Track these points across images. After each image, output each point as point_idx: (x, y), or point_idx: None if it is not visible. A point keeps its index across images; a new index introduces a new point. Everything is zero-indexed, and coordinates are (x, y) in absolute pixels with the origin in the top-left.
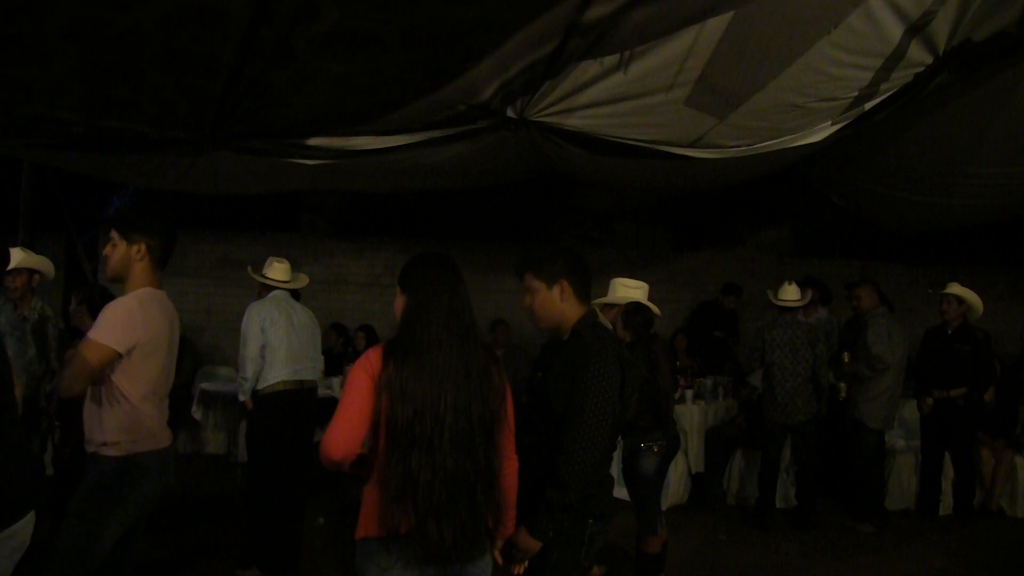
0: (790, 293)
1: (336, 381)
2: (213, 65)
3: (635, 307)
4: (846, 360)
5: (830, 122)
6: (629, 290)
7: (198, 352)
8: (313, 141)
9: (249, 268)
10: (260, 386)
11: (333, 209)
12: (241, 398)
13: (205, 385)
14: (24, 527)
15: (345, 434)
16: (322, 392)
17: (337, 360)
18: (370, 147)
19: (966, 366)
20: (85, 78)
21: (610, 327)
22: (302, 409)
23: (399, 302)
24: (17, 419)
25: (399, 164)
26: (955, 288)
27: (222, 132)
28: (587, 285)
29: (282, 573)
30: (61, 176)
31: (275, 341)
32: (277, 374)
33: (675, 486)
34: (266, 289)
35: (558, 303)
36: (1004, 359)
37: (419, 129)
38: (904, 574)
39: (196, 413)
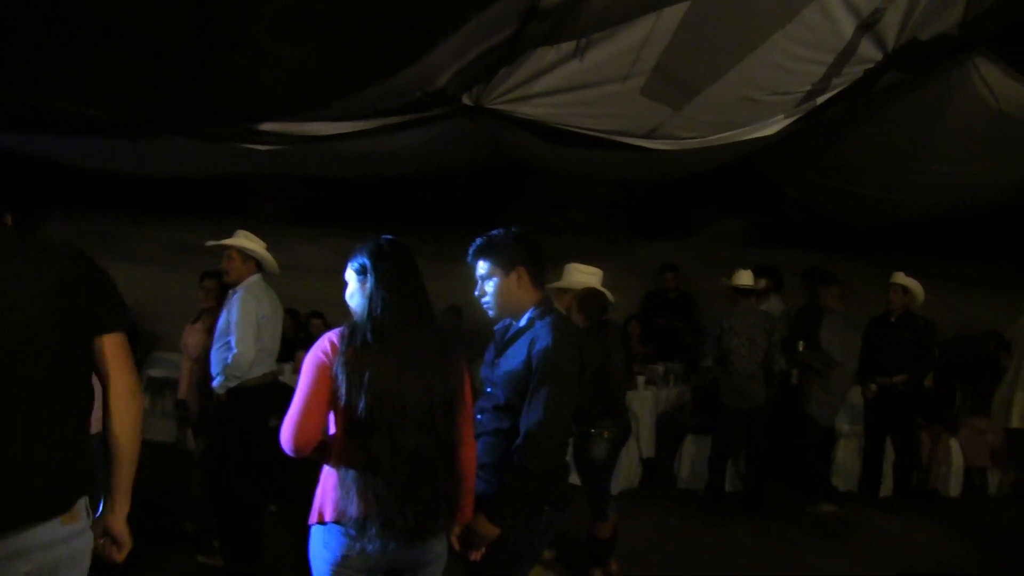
0: (744, 278)
1: (288, 367)
2: (163, 49)
3: (590, 293)
4: (801, 348)
5: (783, 116)
6: (584, 275)
7: (147, 339)
8: (267, 126)
9: (239, 240)
10: (244, 380)
11: (286, 194)
12: (220, 390)
13: (153, 372)
14: None
15: (306, 424)
16: None
17: (289, 346)
18: (324, 133)
19: (908, 353)
20: (30, 59)
21: (564, 313)
22: (273, 399)
23: (352, 287)
24: None
25: (354, 150)
26: (900, 277)
27: (173, 116)
28: (543, 270)
29: (243, 561)
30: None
31: (267, 335)
32: (262, 367)
33: (626, 471)
34: (246, 269)
35: (515, 290)
36: (943, 347)
37: (374, 116)
38: (850, 555)
39: (145, 401)
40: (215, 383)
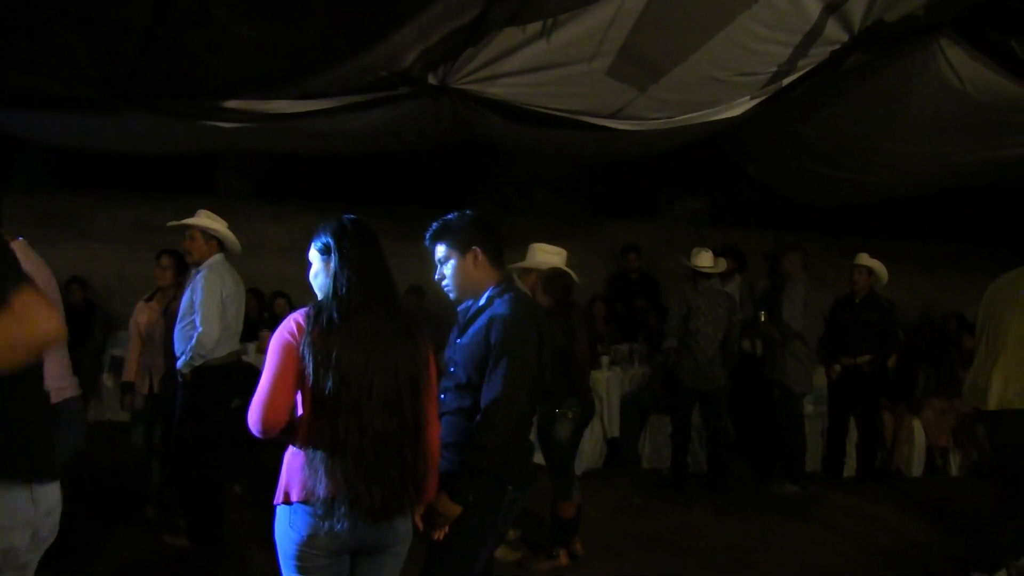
0: (705, 259)
1: (252, 347)
2: (124, 26)
3: (555, 273)
4: (763, 319)
5: (749, 96)
6: (547, 255)
7: (109, 318)
8: (231, 104)
9: (201, 219)
10: (208, 359)
11: (250, 172)
12: (184, 370)
13: (116, 351)
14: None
15: (273, 405)
16: None
17: (253, 326)
18: (289, 111)
19: (872, 334)
20: None
21: (528, 292)
22: (237, 379)
23: (316, 267)
24: None
25: (318, 129)
26: (864, 259)
27: (135, 92)
28: (499, 250)
29: (208, 541)
30: None
31: (231, 314)
32: (225, 347)
33: (590, 451)
34: (208, 248)
35: (472, 270)
36: (906, 328)
37: (339, 94)
38: (812, 533)
39: (107, 380)
40: (179, 363)
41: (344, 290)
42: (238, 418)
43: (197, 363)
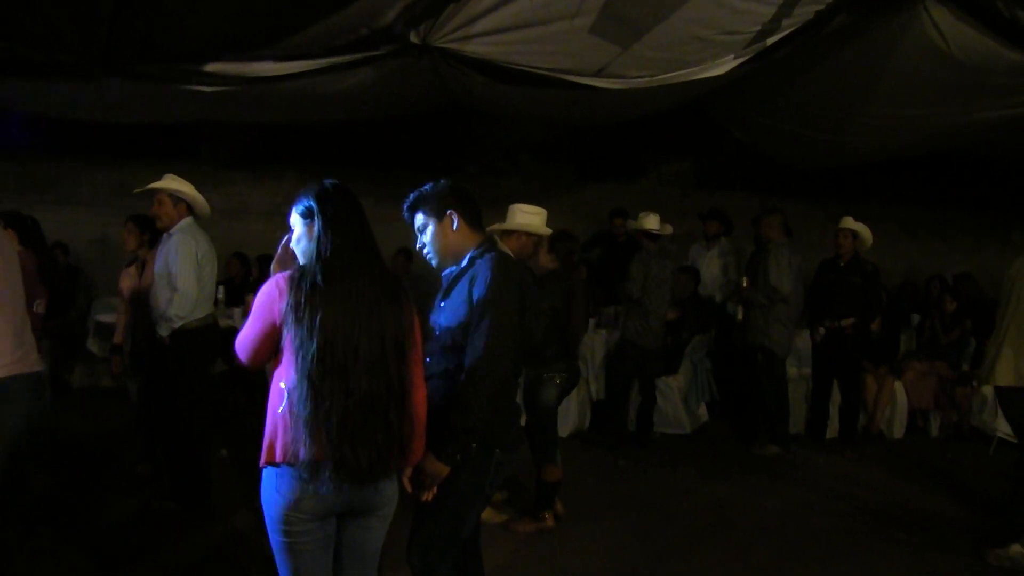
0: (652, 222)
1: (237, 311)
2: None
3: (562, 234)
4: (744, 285)
5: (732, 56)
6: (528, 216)
7: (93, 284)
8: (211, 67)
9: (167, 183)
10: (187, 321)
11: (233, 137)
12: (163, 333)
13: (101, 317)
14: None
15: (256, 354)
16: (224, 323)
17: (238, 290)
18: (270, 73)
19: (856, 297)
20: None
21: (510, 253)
22: (215, 342)
23: (298, 232)
24: None
25: (301, 92)
26: (849, 222)
27: (114, 57)
28: (476, 212)
29: (194, 504)
30: None
31: (207, 275)
32: (203, 309)
33: (576, 413)
34: (177, 212)
35: (451, 234)
36: (889, 291)
37: (321, 55)
38: (795, 495)
39: (92, 346)
40: (158, 327)
41: (328, 253)
42: (221, 381)
43: (176, 325)
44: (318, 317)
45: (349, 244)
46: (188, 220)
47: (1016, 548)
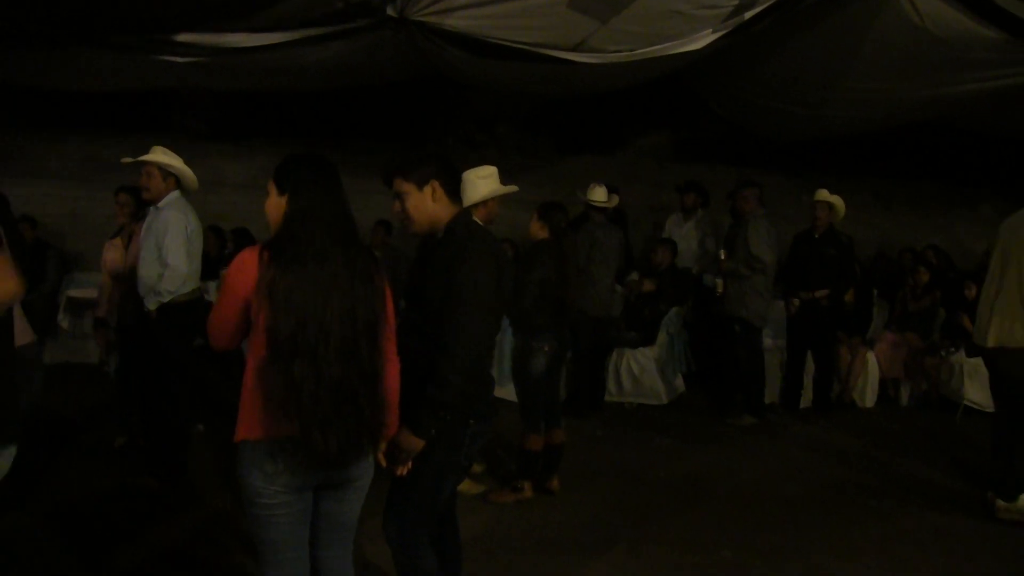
0: (599, 194)
1: (212, 285)
2: None
3: (551, 204)
4: (723, 258)
5: (710, 30)
6: (488, 182)
7: (64, 258)
8: (183, 37)
9: (157, 155)
10: (175, 296)
11: (208, 109)
12: (151, 308)
13: (72, 292)
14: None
15: (222, 332)
16: None
17: (214, 264)
18: (245, 45)
19: (831, 269)
20: None
21: (481, 224)
22: (200, 316)
23: (274, 203)
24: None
25: (276, 63)
26: (824, 195)
27: (82, 26)
28: (458, 185)
29: (174, 480)
30: None
31: (195, 249)
32: (191, 283)
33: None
34: (165, 185)
35: (430, 204)
36: (863, 263)
37: (296, 27)
38: (770, 463)
39: (63, 321)
40: (146, 301)
41: (302, 232)
42: (200, 357)
43: (165, 300)
44: (289, 297)
45: (323, 223)
46: (176, 194)
47: None
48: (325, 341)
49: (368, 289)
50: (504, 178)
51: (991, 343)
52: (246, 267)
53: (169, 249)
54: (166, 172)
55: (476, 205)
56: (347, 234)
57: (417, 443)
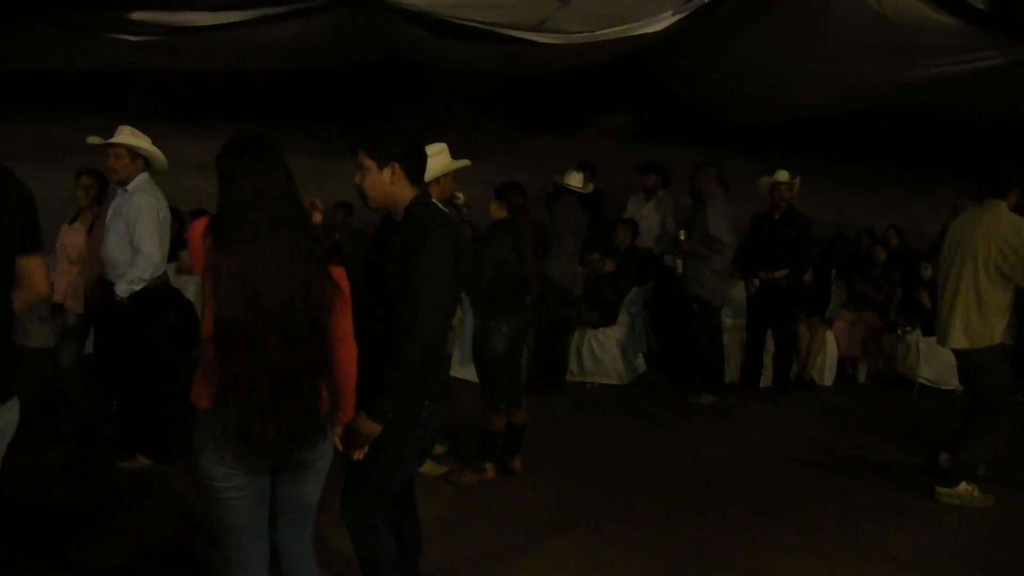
0: (576, 179)
1: (171, 268)
2: None
3: (510, 184)
4: (683, 238)
5: (671, 12)
6: (441, 159)
7: None
8: (137, 15)
9: (127, 136)
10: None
11: (164, 90)
12: (122, 295)
13: None
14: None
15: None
16: None
17: (172, 246)
18: (200, 24)
19: (789, 249)
20: None
21: (439, 205)
22: (169, 299)
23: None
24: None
25: (233, 43)
26: (784, 175)
27: (33, 2)
28: (420, 169)
29: (169, 456)
30: None
31: (165, 235)
32: (162, 266)
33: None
34: (135, 167)
35: (387, 185)
36: (821, 243)
37: (253, 6)
38: (730, 441)
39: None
40: (118, 288)
41: (240, 216)
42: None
43: (138, 287)
44: (230, 283)
45: (262, 207)
46: (145, 176)
47: (963, 487)
48: (264, 329)
49: (313, 271)
50: (466, 157)
51: (955, 345)
52: (194, 248)
53: (142, 236)
54: (135, 154)
55: (430, 183)
56: (290, 216)
57: (374, 428)
